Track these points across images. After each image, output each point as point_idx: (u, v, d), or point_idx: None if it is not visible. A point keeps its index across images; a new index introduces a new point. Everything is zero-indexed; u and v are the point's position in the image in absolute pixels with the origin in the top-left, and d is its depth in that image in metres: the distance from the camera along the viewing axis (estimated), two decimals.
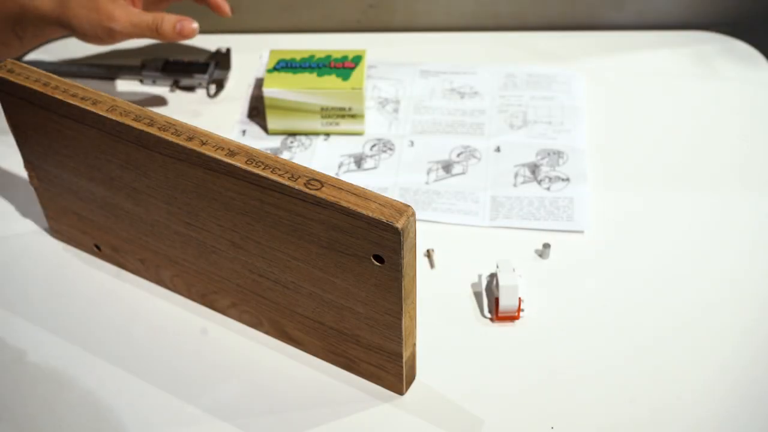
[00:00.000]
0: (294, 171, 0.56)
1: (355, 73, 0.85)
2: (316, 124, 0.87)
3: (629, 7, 1.02)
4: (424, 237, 0.77)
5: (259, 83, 0.93)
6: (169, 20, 0.78)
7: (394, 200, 0.53)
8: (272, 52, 0.88)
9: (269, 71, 0.86)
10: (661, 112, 0.91)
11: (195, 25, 0.79)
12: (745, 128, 0.89)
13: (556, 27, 1.03)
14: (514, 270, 0.69)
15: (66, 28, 0.78)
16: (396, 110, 0.91)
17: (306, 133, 0.88)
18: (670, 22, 1.02)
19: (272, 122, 0.87)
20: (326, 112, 0.86)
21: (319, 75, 0.85)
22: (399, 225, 0.52)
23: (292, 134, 0.88)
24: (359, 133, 0.88)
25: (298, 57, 0.87)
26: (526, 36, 1.02)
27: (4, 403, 0.65)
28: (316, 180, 0.55)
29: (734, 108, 0.91)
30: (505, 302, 0.68)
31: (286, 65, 0.87)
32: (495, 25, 1.03)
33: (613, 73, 0.96)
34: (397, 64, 0.96)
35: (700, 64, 0.96)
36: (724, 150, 0.86)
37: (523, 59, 0.97)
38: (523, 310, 0.70)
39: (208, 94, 0.93)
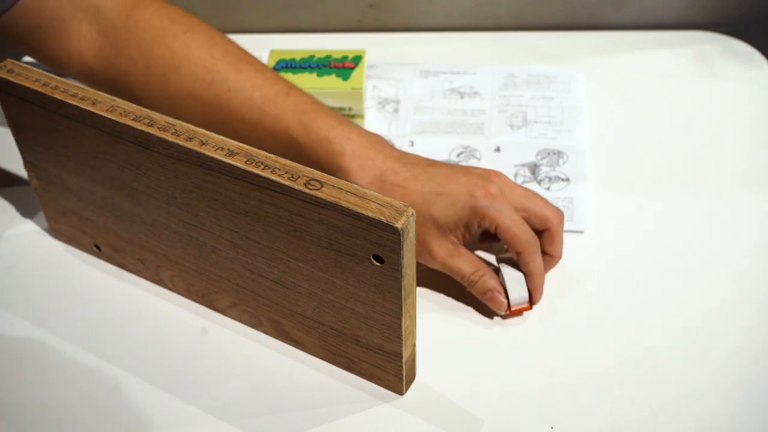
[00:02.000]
0: (294, 171, 0.56)
1: (355, 73, 0.85)
2: None
3: (629, 7, 1.02)
4: None
5: None
6: (485, 283, 0.68)
7: (394, 200, 0.53)
8: (272, 52, 0.88)
9: None
10: (660, 112, 0.91)
11: (504, 300, 0.68)
12: (745, 128, 0.89)
13: (556, 27, 1.03)
14: (515, 261, 0.69)
15: None
16: (396, 110, 0.91)
17: None
18: (670, 22, 1.02)
19: None
20: None
21: (319, 75, 0.85)
22: (399, 225, 0.52)
23: None
24: None
25: (298, 57, 0.87)
26: (526, 36, 1.02)
27: (4, 403, 0.65)
28: (316, 180, 0.55)
29: (734, 108, 0.91)
30: (515, 295, 0.68)
31: (286, 65, 0.87)
32: (495, 25, 1.03)
33: (613, 73, 0.96)
34: (397, 64, 0.96)
35: (700, 64, 0.96)
36: (724, 150, 0.86)
37: (523, 59, 0.97)
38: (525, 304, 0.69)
39: None
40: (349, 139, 0.70)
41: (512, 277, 0.68)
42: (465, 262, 0.68)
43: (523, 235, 0.67)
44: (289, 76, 0.85)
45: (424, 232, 0.68)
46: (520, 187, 0.69)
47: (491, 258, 0.74)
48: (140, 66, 0.73)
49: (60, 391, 0.66)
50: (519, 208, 0.68)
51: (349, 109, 0.86)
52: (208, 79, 0.72)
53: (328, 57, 0.87)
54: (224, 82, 0.72)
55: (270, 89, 0.72)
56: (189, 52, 0.73)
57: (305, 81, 0.85)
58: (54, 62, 0.76)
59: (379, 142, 0.71)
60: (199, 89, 0.73)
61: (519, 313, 0.69)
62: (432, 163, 0.70)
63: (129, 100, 0.62)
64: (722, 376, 0.65)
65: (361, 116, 0.86)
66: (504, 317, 0.70)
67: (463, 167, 0.70)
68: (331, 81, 0.85)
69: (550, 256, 0.70)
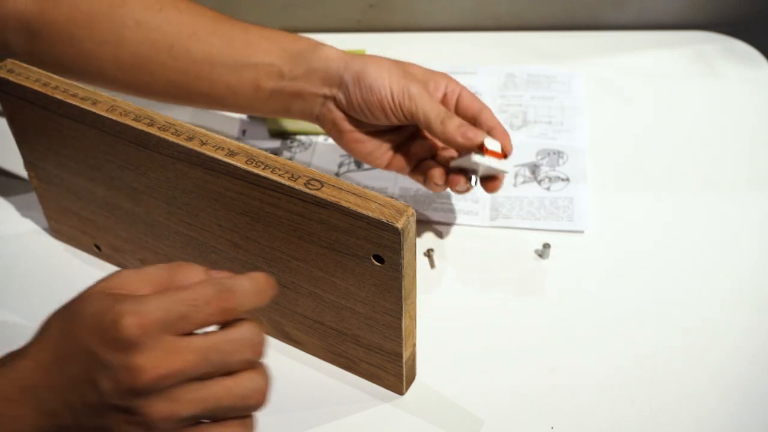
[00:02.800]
0: (294, 171, 0.56)
1: None
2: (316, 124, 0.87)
3: (629, 7, 1.02)
4: (424, 237, 0.77)
5: None
6: (458, 121, 0.69)
7: (394, 200, 0.53)
8: None
9: None
10: (660, 112, 0.91)
11: (479, 135, 0.68)
12: (745, 128, 0.89)
13: (556, 27, 1.03)
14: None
15: (352, 77, 0.70)
16: None
17: (306, 133, 0.88)
18: (669, 22, 1.02)
19: (272, 122, 0.87)
20: None
21: None
22: (399, 225, 0.52)
23: (293, 134, 0.88)
24: None
25: None
26: (526, 36, 1.02)
27: None
28: (316, 180, 0.55)
29: (734, 108, 0.91)
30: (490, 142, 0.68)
31: None
32: (495, 25, 1.03)
33: (613, 73, 0.96)
34: None
35: (700, 64, 0.96)
36: (724, 150, 0.86)
37: (523, 59, 0.97)
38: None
39: None
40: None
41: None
42: (438, 103, 0.70)
43: (481, 101, 0.72)
44: None
45: (407, 70, 0.71)
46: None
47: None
48: (83, 9, 0.72)
49: None
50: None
51: None
52: (157, 6, 0.72)
53: None
54: (174, 7, 0.72)
55: (222, 14, 0.74)
56: None
57: None
58: None
59: None
60: (148, 17, 0.71)
61: (496, 156, 0.68)
62: None
63: (70, 53, 0.62)
64: (722, 376, 0.65)
65: None
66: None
67: None
68: None
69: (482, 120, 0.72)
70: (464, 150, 0.69)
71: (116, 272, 0.49)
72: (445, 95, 0.72)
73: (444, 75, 0.73)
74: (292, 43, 0.72)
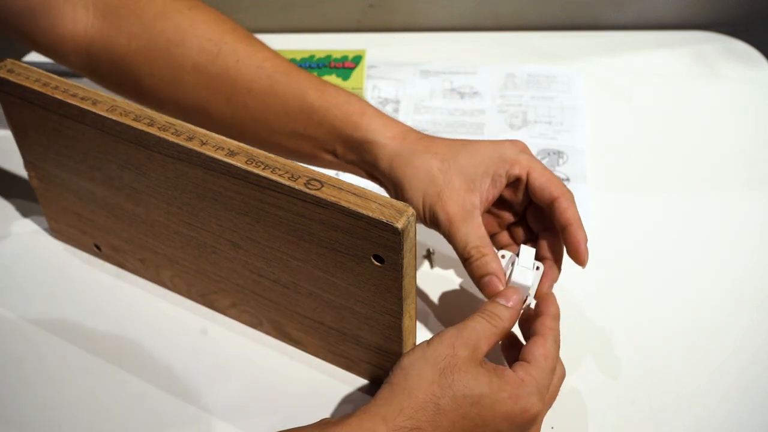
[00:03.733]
0: (294, 171, 0.56)
1: (355, 73, 0.85)
2: None
3: (629, 7, 1.02)
4: (424, 237, 0.77)
5: None
6: (483, 265, 0.61)
7: (394, 200, 0.53)
8: None
9: None
10: (660, 112, 0.91)
11: (501, 287, 0.61)
12: (745, 128, 0.89)
13: (556, 27, 1.03)
14: (533, 263, 0.62)
15: (392, 185, 0.65)
16: (396, 110, 0.91)
17: None
18: (669, 22, 1.03)
19: None
20: None
21: (320, 75, 0.85)
22: (399, 225, 0.52)
23: None
24: None
25: (298, 57, 0.87)
26: (526, 36, 1.02)
27: (4, 403, 0.65)
28: (316, 180, 0.55)
29: (734, 108, 0.91)
30: (518, 276, 0.61)
31: None
32: (495, 25, 1.03)
33: (613, 73, 0.96)
34: (397, 64, 0.96)
35: (700, 64, 0.96)
36: (724, 150, 0.86)
37: (523, 59, 0.98)
38: (528, 304, 0.62)
39: None
40: (368, 105, 0.67)
41: (517, 282, 0.60)
42: (473, 232, 0.61)
43: (555, 179, 0.63)
44: None
45: (444, 180, 0.62)
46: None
47: None
48: (142, 42, 0.70)
49: (60, 391, 0.66)
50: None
51: None
52: (215, 51, 0.69)
53: (328, 57, 0.87)
54: (232, 53, 0.69)
55: (280, 61, 0.70)
56: (194, 25, 0.70)
57: None
58: (46, 48, 0.73)
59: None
60: (205, 61, 0.69)
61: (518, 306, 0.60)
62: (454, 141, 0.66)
63: (129, 83, 0.61)
64: (722, 376, 0.65)
65: None
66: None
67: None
68: (332, 81, 0.85)
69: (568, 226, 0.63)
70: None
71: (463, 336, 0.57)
72: (509, 183, 0.64)
73: (507, 157, 0.63)
74: (348, 126, 0.66)
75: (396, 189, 0.65)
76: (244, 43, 0.70)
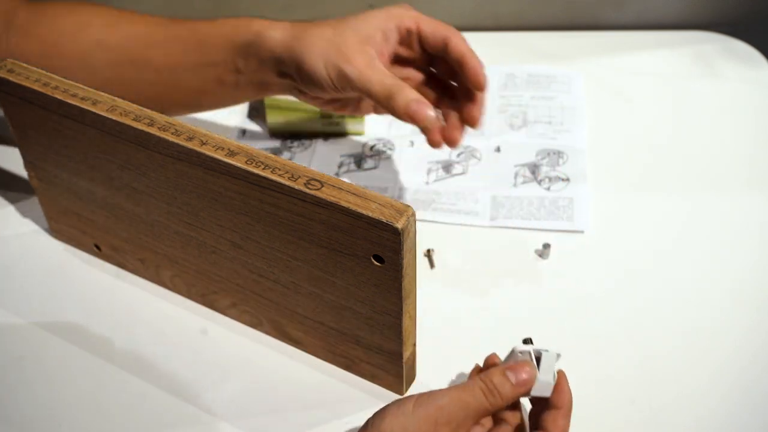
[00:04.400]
0: (294, 171, 0.56)
1: None
2: (316, 124, 0.87)
3: (629, 7, 1.02)
4: (424, 237, 0.77)
5: None
6: (406, 95, 0.64)
7: (394, 200, 0.53)
8: None
9: None
10: (660, 112, 0.91)
11: (431, 113, 0.64)
12: (745, 128, 0.89)
13: (556, 27, 1.03)
14: (554, 372, 0.57)
15: (294, 65, 0.68)
16: None
17: (306, 133, 0.88)
18: (669, 22, 1.03)
19: (272, 122, 0.87)
20: (327, 112, 0.85)
21: None
22: (399, 225, 0.52)
23: (293, 135, 0.88)
24: (359, 134, 0.88)
25: None
26: (526, 36, 1.02)
27: (4, 403, 0.65)
28: (316, 180, 0.55)
29: (734, 108, 0.91)
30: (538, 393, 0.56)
31: None
32: (495, 25, 1.03)
33: (613, 73, 0.96)
34: None
35: (700, 64, 0.96)
36: (724, 150, 0.86)
37: (523, 59, 0.98)
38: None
39: None
40: (255, 18, 0.72)
41: (544, 374, 0.56)
42: (383, 72, 0.66)
43: (441, 24, 0.69)
44: None
45: (341, 40, 0.66)
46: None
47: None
48: (52, 37, 0.75)
49: (60, 391, 0.66)
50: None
51: None
52: (114, 24, 0.75)
53: None
54: (128, 21, 0.75)
55: (172, 19, 0.75)
56: (99, 12, 0.76)
57: None
58: None
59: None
60: (106, 36, 0.74)
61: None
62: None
63: (45, 65, 0.65)
64: (722, 376, 0.65)
65: (362, 116, 0.86)
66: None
67: None
68: None
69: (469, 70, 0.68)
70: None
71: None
72: (402, 38, 0.69)
73: (393, 13, 0.69)
74: (239, 33, 0.71)
75: (298, 67, 0.67)
76: (139, 14, 0.76)
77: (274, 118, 0.87)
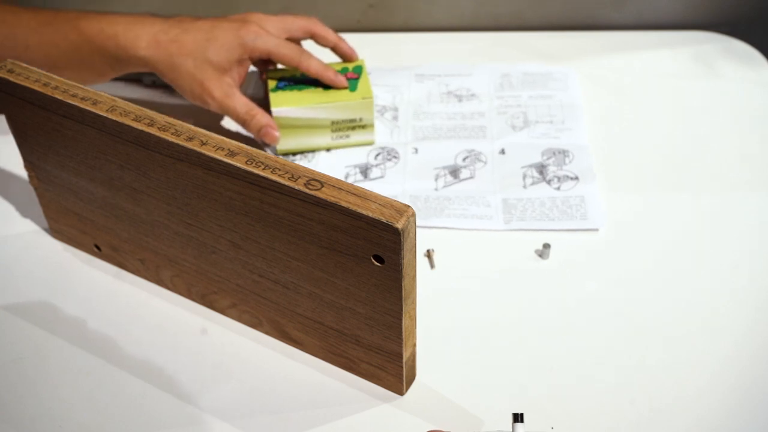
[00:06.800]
0: (294, 171, 0.56)
1: (361, 83, 0.84)
2: (326, 139, 0.85)
3: (629, 7, 1.02)
4: (424, 237, 0.77)
5: (259, 90, 0.93)
6: (258, 121, 0.80)
7: (394, 200, 0.53)
8: (269, 73, 0.86)
9: (272, 91, 0.84)
10: (661, 112, 0.91)
11: (277, 134, 0.81)
12: (745, 128, 0.89)
13: (556, 27, 1.03)
14: None
15: (164, 79, 0.81)
16: (395, 117, 0.90)
17: (316, 150, 0.86)
18: (669, 23, 1.03)
19: (282, 143, 0.84)
20: (337, 126, 0.84)
21: (325, 89, 0.84)
22: (399, 225, 0.52)
23: (302, 153, 0.86)
24: (370, 143, 0.87)
25: (298, 73, 0.86)
26: (526, 36, 1.02)
27: (4, 403, 0.65)
28: (316, 180, 0.55)
29: (734, 108, 0.91)
30: None
31: (287, 83, 0.84)
32: (495, 25, 1.03)
33: (613, 74, 0.96)
34: (391, 69, 0.96)
35: (700, 64, 0.96)
36: (724, 150, 0.86)
37: (523, 59, 0.98)
38: None
39: None
40: (116, 23, 0.79)
41: None
42: (239, 103, 0.80)
43: (291, 51, 0.81)
44: (294, 93, 0.83)
45: (202, 75, 0.79)
46: (273, 16, 0.83)
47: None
48: None
49: (60, 391, 0.66)
50: (279, 32, 0.83)
51: (360, 119, 0.84)
52: None
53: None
54: (3, 21, 0.80)
55: (47, 15, 0.80)
56: None
57: (312, 96, 0.83)
58: None
59: (144, 15, 0.80)
60: None
61: None
62: (196, 18, 0.81)
63: None
64: (722, 376, 0.65)
65: (371, 126, 0.85)
66: None
67: (222, 17, 0.82)
68: (339, 93, 0.83)
69: (332, 45, 0.86)
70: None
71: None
72: (255, 58, 0.82)
73: (245, 42, 0.79)
74: (106, 46, 0.79)
75: (169, 83, 0.81)
76: (10, 11, 0.81)
77: (283, 138, 0.84)
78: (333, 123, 0.84)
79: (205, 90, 0.79)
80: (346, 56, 0.87)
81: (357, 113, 0.84)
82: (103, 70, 0.81)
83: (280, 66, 0.87)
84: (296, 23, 0.84)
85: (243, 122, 0.80)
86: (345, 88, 0.84)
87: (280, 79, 0.85)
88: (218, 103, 0.80)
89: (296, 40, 0.86)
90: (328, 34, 0.86)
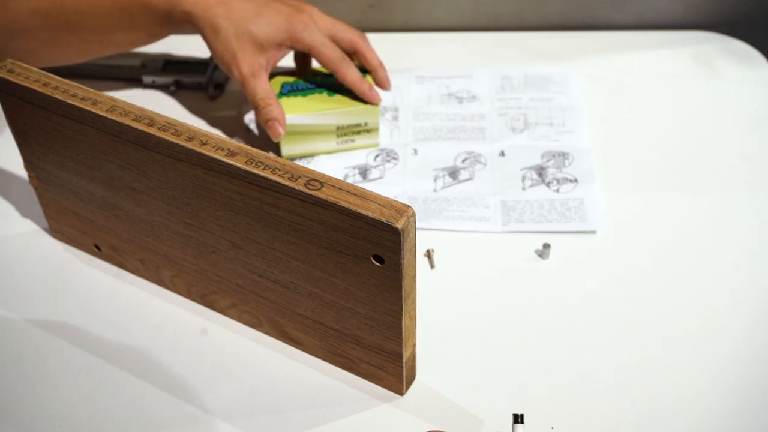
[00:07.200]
0: (294, 171, 0.56)
1: None
2: (331, 144, 0.84)
3: (629, 7, 1.02)
4: (424, 237, 0.77)
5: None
6: (270, 111, 0.79)
7: (394, 200, 0.53)
8: (272, 79, 0.85)
9: (277, 97, 0.82)
10: (661, 112, 0.91)
11: (282, 131, 0.80)
12: (745, 128, 0.89)
13: (556, 27, 1.03)
14: None
15: (200, 34, 0.80)
16: (395, 118, 0.90)
17: (320, 154, 0.85)
18: (669, 23, 1.03)
19: (287, 149, 0.84)
20: (342, 131, 0.84)
21: (330, 95, 0.83)
22: (399, 225, 0.52)
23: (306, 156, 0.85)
24: (375, 146, 0.86)
25: (301, 78, 0.85)
26: (526, 36, 1.02)
27: (4, 403, 0.65)
28: (316, 180, 0.55)
29: (734, 108, 0.91)
30: None
31: (291, 89, 0.84)
32: (495, 25, 1.03)
33: (613, 74, 0.96)
34: (391, 70, 0.96)
35: (700, 64, 0.97)
36: (724, 150, 0.86)
37: (522, 60, 0.98)
38: None
39: (209, 96, 0.93)
40: None
41: None
42: (261, 86, 0.79)
43: (333, 55, 0.81)
44: (299, 100, 0.82)
45: (239, 45, 0.78)
46: (326, 15, 0.83)
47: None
48: None
49: (60, 391, 0.66)
50: (328, 34, 0.81)
51: (365, 124, 0.84)
52: None
53: (330, 75, 0.85)
54: None
55: None
56: None
57: (318, 102, 0.82)
58: None
59: None
60: (36, 2, 0.79)
61: None
62: None
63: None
64: (722, 376, 0.65)
65: (376, 129, 0.85)
66: None
67: None
68: (344, 98, 0.83)
69: (372, 68, 0.84)
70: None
71: None
72: (294, 50, 0.82)
73: (295, 32, 0.80)
74: (156, 3, 0.79)
75: (205, 40, 0.80)
76: None
77: (289, 144, 0.83)
78: (338, 128, 0.83)
79: (234, 60, 0.78)
80: (380, 84, 0.85)
81: (363, 118, 0.83)
82: (153, 29, 0.81)
83: (282, 69, 0.87)
84: (346, 33, 0.83)
85: (256, 107, 0.79)
86: (377, 103, 0.83)
87: (283, 84, 0.84)
88: (242, 78, 0.79)
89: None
90: (373, 57, 0.84)
